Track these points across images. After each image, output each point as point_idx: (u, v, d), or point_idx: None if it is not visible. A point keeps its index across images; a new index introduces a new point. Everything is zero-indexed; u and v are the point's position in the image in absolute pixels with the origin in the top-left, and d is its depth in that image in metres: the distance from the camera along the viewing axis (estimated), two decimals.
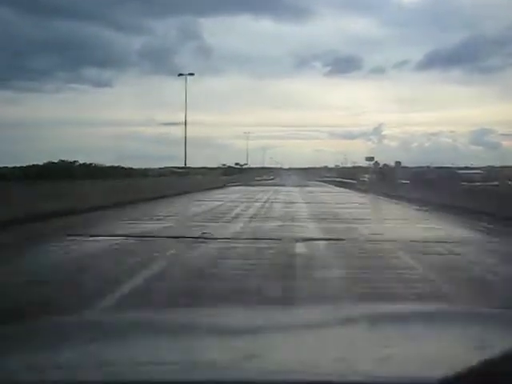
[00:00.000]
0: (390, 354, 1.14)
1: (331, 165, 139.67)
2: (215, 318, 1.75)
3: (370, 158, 67.32)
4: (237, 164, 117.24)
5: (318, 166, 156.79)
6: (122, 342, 1.40)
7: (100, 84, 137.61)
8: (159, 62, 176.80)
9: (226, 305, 4.79)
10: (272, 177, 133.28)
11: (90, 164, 33.94)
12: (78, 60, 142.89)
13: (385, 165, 70.25)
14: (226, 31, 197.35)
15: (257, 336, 1.38)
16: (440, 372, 0.93)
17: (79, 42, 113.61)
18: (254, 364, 1.09)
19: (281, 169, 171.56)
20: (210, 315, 1.86)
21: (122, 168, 38.31)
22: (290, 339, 1.37)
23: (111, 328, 1.56)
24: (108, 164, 35.95)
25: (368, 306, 2.66)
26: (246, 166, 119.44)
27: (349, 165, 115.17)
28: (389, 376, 1.01)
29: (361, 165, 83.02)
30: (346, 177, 63.48)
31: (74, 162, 33.32)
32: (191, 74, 43.33)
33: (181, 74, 43.18)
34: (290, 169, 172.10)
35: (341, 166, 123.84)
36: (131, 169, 41.30)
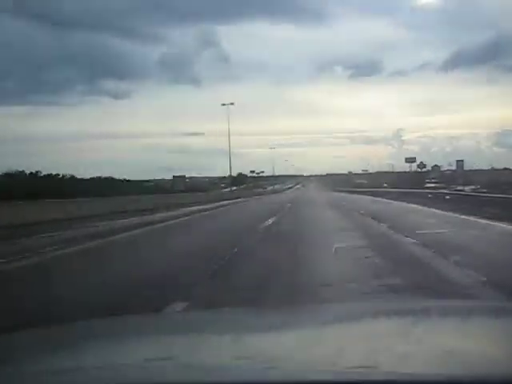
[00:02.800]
0: (411, 351, 1.13)
1: (357, 170, 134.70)
2: (232, 318, 1.75)
3: (411, 159, 57.35)
4: (252, 172, 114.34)
5: (339, 172, 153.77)
6: (128, 343, 1.39)
7: (118, 96, 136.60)
8: (177, 71, 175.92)
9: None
10: (290, 185, 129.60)
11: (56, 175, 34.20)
12: (97, 72, 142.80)
13: (435, 166, 61.77)
14: (244, 38, 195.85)
15: (275, 336, 1.38)
16: (465, 369, 0.97)
17: (97, 54, 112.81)
18: (271, 364, 1.07)
19: (301, 176, 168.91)
20: (228, 315, 1.88)
21: (119, 180, 36.91)
22: (307, 339, 1.35)
23: (119, 330, 1.58)
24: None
25: (389, 302, 2.59)
26: (262, 174, 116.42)
27: (380, 170, 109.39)
28: (410, 374, 0.98)
29: (398, 170, 74.77)
30: (394, 185, 51.22)
31: (37, 172, 33.84)
32: None
33: None
34: (310, 176, 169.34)
35: (369, 171, 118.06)
36: (127, 181, 39.74)
